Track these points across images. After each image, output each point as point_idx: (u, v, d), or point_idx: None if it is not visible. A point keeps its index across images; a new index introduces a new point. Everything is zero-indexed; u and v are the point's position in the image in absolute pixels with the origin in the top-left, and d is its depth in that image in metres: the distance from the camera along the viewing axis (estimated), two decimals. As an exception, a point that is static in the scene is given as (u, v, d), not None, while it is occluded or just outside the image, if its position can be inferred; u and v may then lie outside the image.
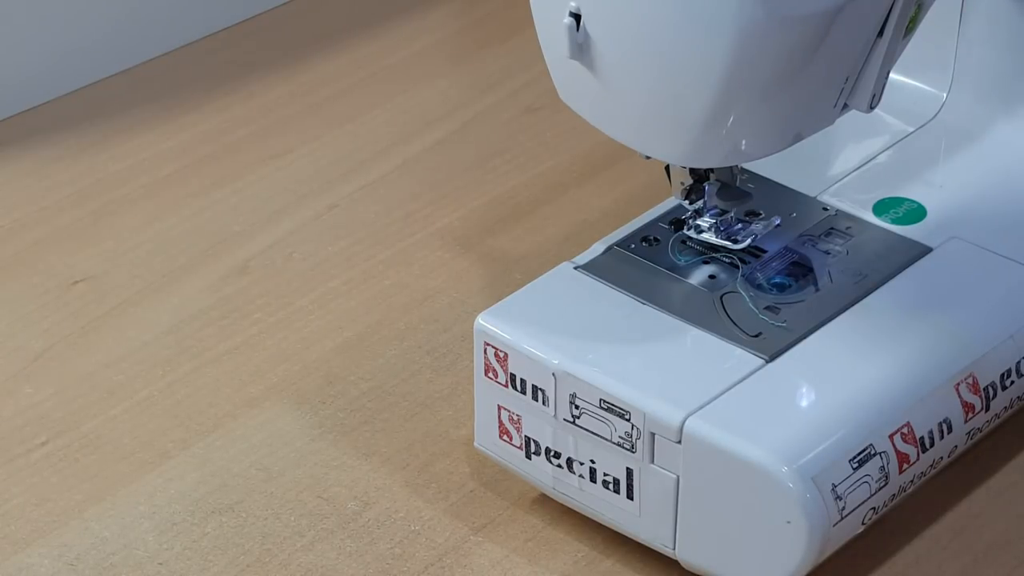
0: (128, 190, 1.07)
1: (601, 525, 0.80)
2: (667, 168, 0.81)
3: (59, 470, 0.86)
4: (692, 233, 0.81)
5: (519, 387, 0.79)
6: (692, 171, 0.80)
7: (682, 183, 0.80)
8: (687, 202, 0.81)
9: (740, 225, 0.81)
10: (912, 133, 0.91)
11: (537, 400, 0.78)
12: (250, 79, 1.18)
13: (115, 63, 1.19)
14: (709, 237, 0.81)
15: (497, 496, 0.83)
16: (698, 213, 0.81)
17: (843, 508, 0.74)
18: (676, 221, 0.83)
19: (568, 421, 0.78)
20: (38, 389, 0.91)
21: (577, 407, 0.77)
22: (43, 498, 0.84)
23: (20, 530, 0.82)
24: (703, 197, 0.80)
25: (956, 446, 0.79)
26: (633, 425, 0.75)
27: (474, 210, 1.03)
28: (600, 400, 0.76)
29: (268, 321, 0.95)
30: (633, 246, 0.83)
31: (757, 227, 0.80)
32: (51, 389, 0.91)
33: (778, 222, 0.81)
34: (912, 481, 0.77)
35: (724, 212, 0.80)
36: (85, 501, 0.84)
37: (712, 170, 0.80)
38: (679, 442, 0.75)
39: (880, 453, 0.75)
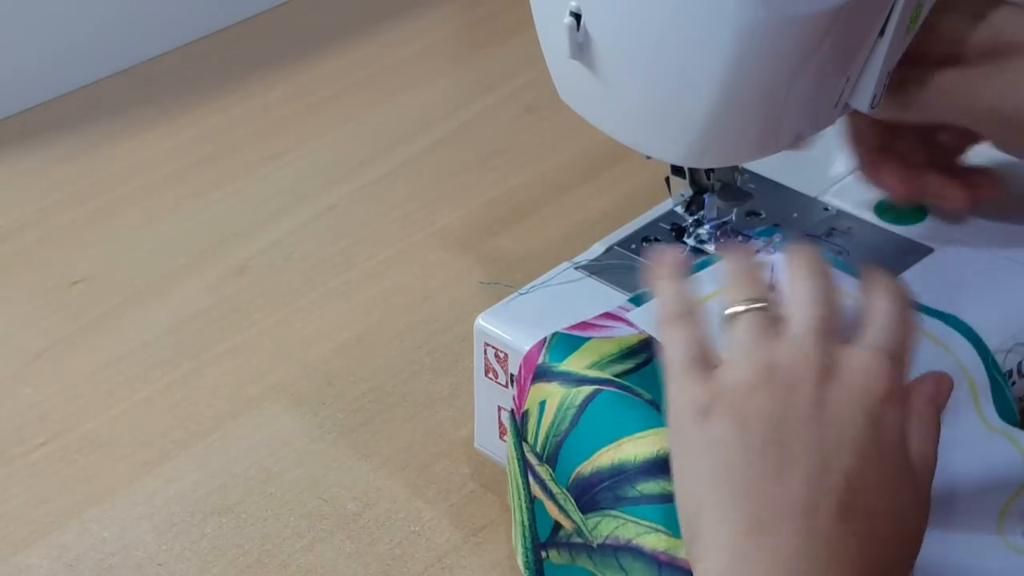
0: (128, 190, 1.07)
1: (601, 526, 0.80)
2: (667, 180, 0.81)
3: (58, 471, 0.86)
4: (692, 242, 0.81)
5: (519, 388, 0.78)
6: (692, 182, 0.80)
7: (682, 194, 0.80)
8: (687, 213, 0.81)
9: (740, 238, 0.81)
10: (913, 133, 0.91)
11: (537, 401, 0.78)
12: (250, 79, 1.18)
13: (115, 63, 1.19)
14: (709, 248, 0.81)
15: (497, 497, 0.82)
16: (699, 223, 0.81)
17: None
18: (677, 229, 0.82)
19: (568, 422, 0.77)
20: (37, 389, 0.91)
21: (577, 408, 0.77)
22: (42, 499, 0.84)
23: (19, 531, 0.82)
24: (703, 208, 0.80)
25: (958, 446, 0.78)
26: (633, 426, 0.75)
27: (474, 210, 1.03)
28: (600, 401, 0.76)
29: (268, 321, 0.95)
30: (633, 246, 0.83)
31: (758, 242, 0.80)
32: (50, 389, 0.91)
33: (779, 238, 0.81)
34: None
35: (724, 223, 0.80)
36: (84, 502, 0.83)
37: (712, 174, 0.80)
38: (679, 443, 0.74)
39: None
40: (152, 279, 0.99)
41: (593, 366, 0.73)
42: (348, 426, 0.87)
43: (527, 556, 0.74)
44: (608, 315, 0.76)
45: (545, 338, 0.75)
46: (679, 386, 0.66)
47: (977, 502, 0.69)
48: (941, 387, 0.67)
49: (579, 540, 0.71)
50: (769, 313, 0.66)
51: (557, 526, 0.73)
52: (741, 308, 0.67)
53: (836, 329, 0.66)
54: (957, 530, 0.69)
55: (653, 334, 0.74)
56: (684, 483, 0.64)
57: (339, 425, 0.87)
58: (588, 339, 0.74)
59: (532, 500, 0.74)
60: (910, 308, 0.68)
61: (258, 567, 0.80)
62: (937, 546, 0.68)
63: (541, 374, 0.74)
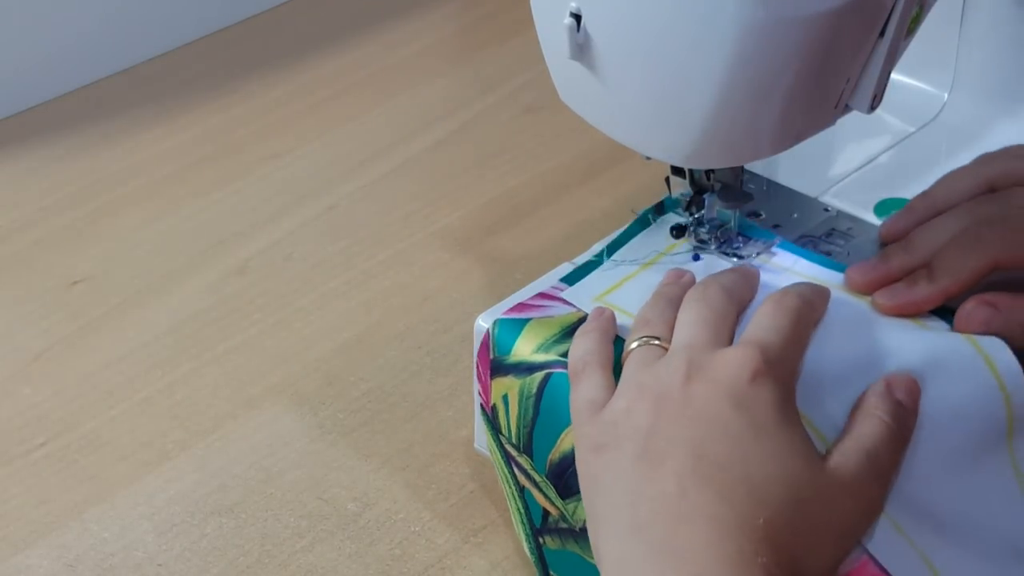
0: (128, 190, 1.07)
1: (601, 526, 0.80)
2: (667, 179, 0.81)
3: (58, 471, 0.86)
4: (693, 241, 0.81)
5: (519, 388, 0.79)
6: (692, 182, 0.80)
7: (682, 194, 0.80)
8: (687, 213, 0.81)
9: (740, 239, 0.81)
10: (913, 133, 0.91)
11: (537, 401, 0.78)
12: (250, 79, 1.18)
13: (115, 63, 1.19)
14: (710, 248, 0.81)
15: (497, 498, 0.82)
16: (699, 223, 0.81)
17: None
18: (677, 229, 0.82)
19: (568, 422, 0.77)
20: (37, 389, 0.91)
21: (577, 408, 0.77)
22: (42, 499, 0.84)
23: (19, 531, 0.82)
24: (703, 208, 0.80)
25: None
26: (633, 426, 0.75)
27: (474, 210, 1.03)
28: (600, 401, 0.76)
29: (268, 321, 0.95)
30: (633, 246, 0.83)
31: (757, 244, 0.80)
32: (50, 389, 0.91)
33: (778, 241, 0.81)
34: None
35: (724, 224, 0.81)
36: (84, 502, 0.83)
37: (712, 174, 0.80)
38: (679, 443, 0.74)
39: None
40: (152, 279, 0.99)
41: (539, 349, 0.74)
42: (348, 426, 0.87)
43: (530, 543, 0.75)
44: (543, 295, 0.77)
45: (488, 330, 0.76)
46: (576, 429, 0.68)
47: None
48: (901, 381, 0.68)
49: (565, 525, 0.72)
50: (660, 346, 0.69)
51: (546, 513, 0.74)
52: (635, 345, 0.70)
53: (713, 340, 0.68)
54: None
55: (587, 311, 0.75)
56: (589, 518, 0.66)
57: (339, 425, 0.87)
58: (528, 320, 0.75)
59: (522, 489, 0.75)
60: (797, 302, 0.69)
61: (258, 567, 0.80)
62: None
63: (496, 368, 0.75)
